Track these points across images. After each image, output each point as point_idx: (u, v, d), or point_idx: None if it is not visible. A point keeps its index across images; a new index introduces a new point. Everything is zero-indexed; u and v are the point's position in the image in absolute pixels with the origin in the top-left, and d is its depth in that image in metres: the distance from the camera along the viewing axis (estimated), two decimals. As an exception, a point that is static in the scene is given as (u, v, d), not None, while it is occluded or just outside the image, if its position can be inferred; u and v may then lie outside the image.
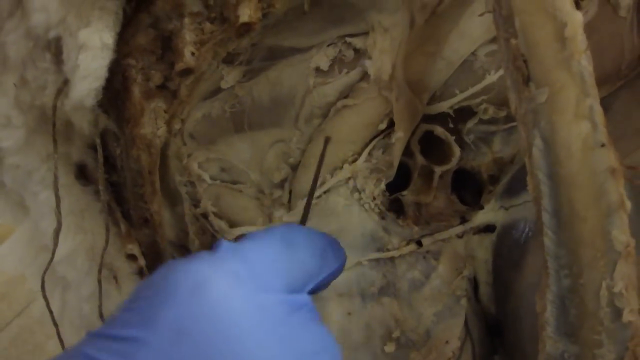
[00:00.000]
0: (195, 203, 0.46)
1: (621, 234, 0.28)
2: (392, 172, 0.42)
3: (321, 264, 0.31)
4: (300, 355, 0.24)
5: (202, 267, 0.24)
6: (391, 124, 0.41)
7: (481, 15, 0.30)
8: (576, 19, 0.27)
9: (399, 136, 0.41)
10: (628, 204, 0.28)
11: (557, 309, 0.30)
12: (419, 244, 0.43)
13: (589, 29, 0.38)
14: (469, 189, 0.46)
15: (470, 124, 0.43)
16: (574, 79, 0.27)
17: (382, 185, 0.42)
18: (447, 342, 0.42)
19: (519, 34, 0.28)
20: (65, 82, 0.38)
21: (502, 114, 0.42)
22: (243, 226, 0.45)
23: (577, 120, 0.27)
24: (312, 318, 0.27)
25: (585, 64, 0.27)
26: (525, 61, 0.28)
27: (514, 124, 0.43)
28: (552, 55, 0.27)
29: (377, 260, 0.43)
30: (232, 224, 0.45)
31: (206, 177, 0.45)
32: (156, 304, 0.23)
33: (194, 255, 0.27)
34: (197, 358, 0.22)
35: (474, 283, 0.45)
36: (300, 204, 0.43)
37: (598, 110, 0.28)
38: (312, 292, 0.31)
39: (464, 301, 0.43)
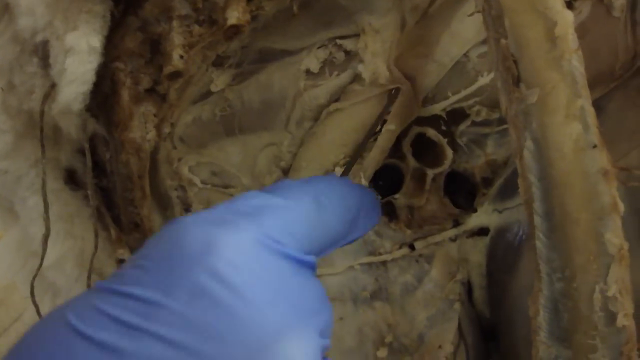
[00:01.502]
0: (186, 207, 0.45)
1: (614, 237, 0.28)
2: (372, 170, 0.42)
3: (348, 230, 0.32)
4: (299, 312, 0.25)
5: (212, 231, 0.25)
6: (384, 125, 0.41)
7: (470, 15, 0.30)
8: (567, 18, 0.27)
9: (390, 128, 0.40)
10: (621, 206, 0.28)
11: (550, 313, 0.30)
12: (412, 247, 0.43)
13: (583, 29, 0.38)
14: (462, 191, 0.45)
15: (463, 126, 0.43)
16: (564, 79, 0.27)
17: (364, 182, 0.41)
18: (440, 346, 0.41)
19: (509, 34, 0.28)
20: (53, 87, 0.38)
21: (495, 115, 0.41)
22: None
23: (568, 121, 0.27)
24: (312, 279, 0.28)
25: (576, 63, 0.27)
26: (515, 61, 0.28)
27: (507, 125, 0.42)
28: (543, 55, 0.27)
29: (370, 264, 0.43)
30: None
31: (197, 181, 0.44)
32: (168, 266, 0.24)
33: (206, 212, 0.27)
34: (210, 319, 0.23)
35: (468, 287, 0.45)
36: None
37: (590, 110, 0.27)
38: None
39: (457, 305, 0.42)
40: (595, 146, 0.27)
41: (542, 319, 0.30)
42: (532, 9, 0.27)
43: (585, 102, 0.27)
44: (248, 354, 0.23)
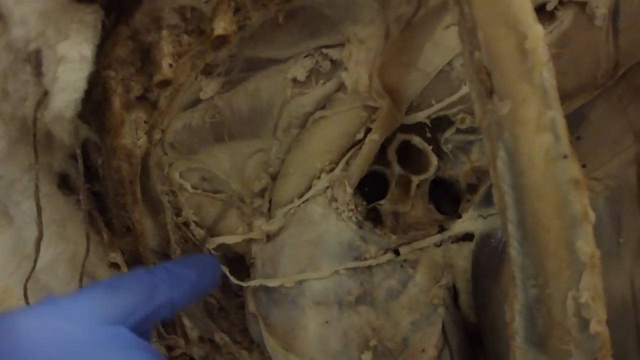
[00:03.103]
0: (177, 212, 0.46)
1: (585, 245, 0.28)
2: (357, 177, 0.42)
3: (141, 300, 0.35)
4: None
5: (12, 315, 0.29)
6: (368, 133, 0.42)
7: (447, 28, 0.30)
8: (537, 32, 0.27)
9: (374, 138, 0.41)
10: (592, 215, 0.28)
11: (526, 319, 0.30)
12: (397, 252, 0.43)
13: (565, 38, 0.39)
14: (446, 198, 0.46)
15: (447, 133, 0.43)
16: (535, 91, 0.27)
17: (349, 190, 0.42)
18: (423, 350, 0.42)
19: (482, 47, 0.28)
20: (45, 94, 0.39)
21: (479, 123, 0.42)
22: (223, 235, 0.45)
23: (539, 132, 0.27)
24: (125, 345, 0.31)
25: (547, 76, 0.27)
26: (488, 74, 0.28)
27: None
28: (514, 68, 0.28)
29: (355, 269, 0.43)
30: (213, 233, 0.46)
31: (187, 186, 0.45)
32: None
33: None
34: None
35: (454, 291, 0.45)
36: (280, 212, 0.43)
37: (560, 122, 0.28)
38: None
39: (441, 310, 0.43)
40: (566, 156, 0.27)
41: (518, 324, 0.31)
42: (504, 23, 0.27)
43: (556, 113, 0.27)
44: None
